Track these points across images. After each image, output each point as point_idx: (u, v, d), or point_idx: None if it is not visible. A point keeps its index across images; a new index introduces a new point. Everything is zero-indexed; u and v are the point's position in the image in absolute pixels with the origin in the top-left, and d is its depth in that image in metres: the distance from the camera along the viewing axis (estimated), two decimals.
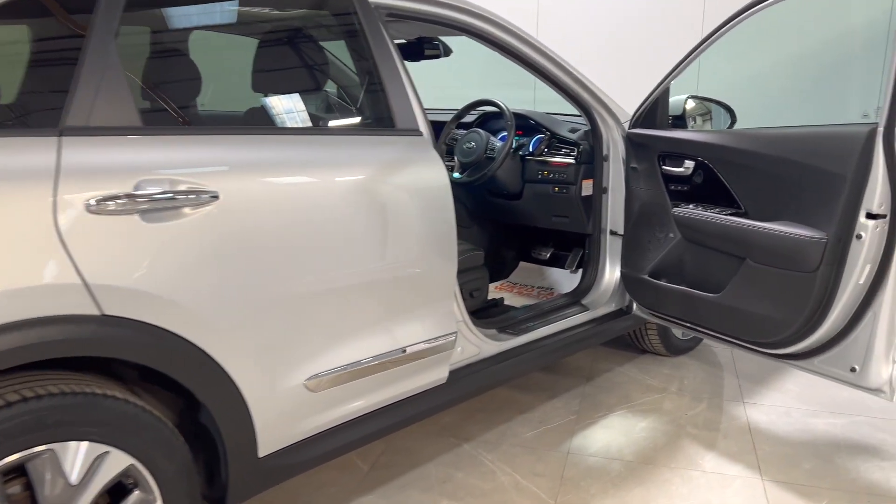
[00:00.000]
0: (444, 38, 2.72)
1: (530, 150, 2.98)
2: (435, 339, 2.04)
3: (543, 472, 2.31)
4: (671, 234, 2.54)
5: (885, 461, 2.37)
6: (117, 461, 1.44)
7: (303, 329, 1.71)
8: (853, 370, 2.07)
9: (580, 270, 3.00)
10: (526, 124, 3.07)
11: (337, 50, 2.15)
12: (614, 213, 2.80)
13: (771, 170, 2.16)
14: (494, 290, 3.28)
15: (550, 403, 2.81)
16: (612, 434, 2.56)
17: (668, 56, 2.48)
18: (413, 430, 2.54)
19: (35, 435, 1.32)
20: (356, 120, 2.11)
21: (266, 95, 1.95)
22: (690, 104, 2.71)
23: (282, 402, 1.71)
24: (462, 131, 3.13)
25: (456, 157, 3.04)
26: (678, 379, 3.04)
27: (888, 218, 1.91)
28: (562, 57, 2.50)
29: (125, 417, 1.45)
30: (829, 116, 4.65)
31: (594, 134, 2.75)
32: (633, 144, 2.65)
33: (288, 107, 1.94)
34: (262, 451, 1.71)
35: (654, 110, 2.58)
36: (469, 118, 3.27)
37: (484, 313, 2.65)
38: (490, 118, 3.25)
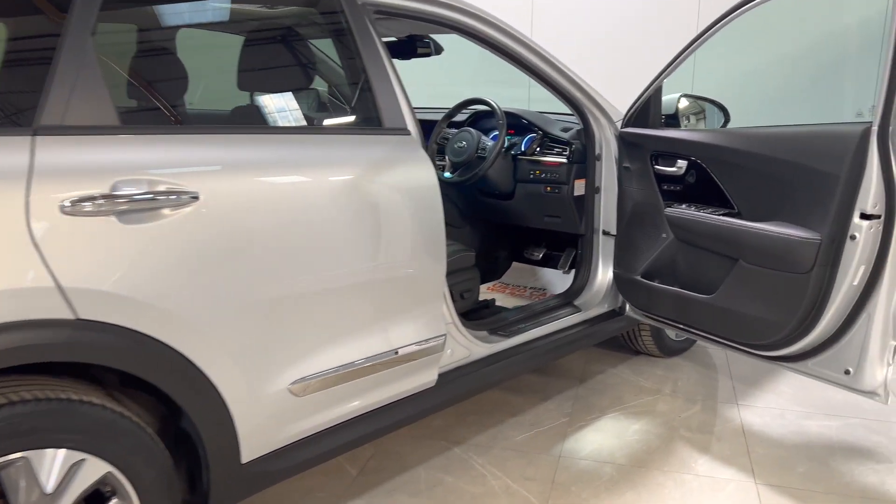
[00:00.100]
0: (435, 37, 2.69)
1: (522, 149, 2.95)
2: (424, 341, 2.00)
3: (534, 476, 2.27)
4: (664, 235, 2.52)
5: (879, 464, 2.35)
6: (94, 468, 1.41)
7: (286, 332, 1.67)
8: (847, 373, 2.04)
9: (573, 271, 2.97)
10: (518, 123, 3.04)
11: (324, 48, 2.12)
12: (607, 213, 2.77)
13: (764, 169, 2.13)
14: (486, 291, 3.25)
15: (542, 406, 2.78)
16: (604, 437, 2.53)
17: (663, 55, 2.45)
18: (403, 432, 2.51)
19: (8, 442, 1.29)
20: (343, 119, 2.08)
21: (250, 94, 1.91)
22: (683, 103, 2.68)
23: (265, 407, 1.67)
24: (453, 130, 3.09)
25: (447, 157, 3.00)
26: (672, 380, 3.01)
27: (882, 218, 1.89)
28: (554, 55, 2.47)
29: (102, 424, 1.41)
30: (824, 115, 4.63)
31: (586, 133, 2.72)
32: (626, 144, 2.62)
33: (272, 106, 1.91)
34: (245, 456, 1.67)
35: (647, 109, 2.55)
36: (460, 117, 3.24)
37: (475, 314, 2.62)
38: (481, 117, 3.22)
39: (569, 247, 3.25)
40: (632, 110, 2.59)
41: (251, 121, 1.88)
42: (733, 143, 2.22)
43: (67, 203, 1.32)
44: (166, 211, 1.45)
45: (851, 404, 2.73)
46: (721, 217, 2.24)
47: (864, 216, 1.90)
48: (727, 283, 2.24)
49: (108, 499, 1.45)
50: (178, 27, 1.86)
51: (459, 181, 2.87)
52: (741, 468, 2.33)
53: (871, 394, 2.01)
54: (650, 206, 2.54)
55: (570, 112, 2.73)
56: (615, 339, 3.15)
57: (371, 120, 1.94)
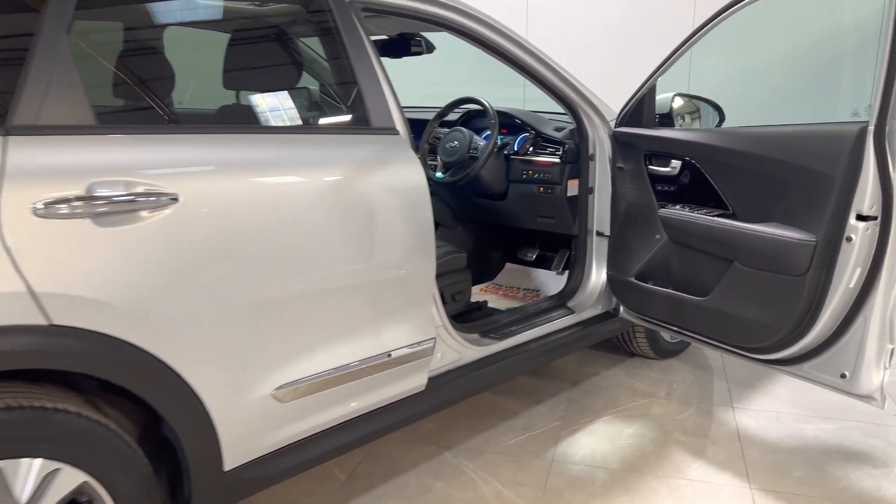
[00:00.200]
0: (427, 35, 2.65)
1: (515, 149, 2.91)
2: (412, 345, 1.97)
3: (526, 482, 2.24)
4: (658, 236, 2.48)
5: (876, 468, 2.31)
6: (70, 478, 1.37)
7: (270, 337, 1.63)
8: (843, 376, 2.01)
9: (567, 272, 2.93)
10: (511, 123, 3.00)
11: (311, 46, 2.08)
12: (601, 213, 2.73)
13: (759, 170, 2.10)
14: (479, 293, 3.22)
15: (535, 409, 2.74)
16: (597, 441, 2.50)
17: (659, 54, 2.42)
18: (393, 437, 2.47)
19: None
20: (329, 118, 2.04)
21: (234, 93, 1.87)
22: (678, 102, 2.64)
23: (248, 414, 1.64)
24: (445, 130, 3.05)
25: (438, 157, 2.96)
26: (667, 383, 2.98)
27: (879, 220, 1.85)
28: (546, 54, 2.44)
29: (78, 432, 1.38)
30: (820, 114, 4.60)
31: (580, 133, 2.68)
32: (619, 143, 2.58)
33: (256, 105, 1.87)
34: (228, 464, 1.63)
35: (641, 108, 2.52)
36: (453, 116, 3.20)
37: (466, 317, 2.59)
38: (474, 116, 3.18)
39: (562, 248, 3.21)
40: (625, 109, 2.55)
41: (235, 120, 1.84)
42: (728, 142, 2.18)
43: (41, 205, 1.29)
44: (144, 213, 1.41)
45: (848, 407, 2.70)
46: (715, 218, 2.20)
47: (860, 217, 1.86)
48: (722, 285, 2.20)
49: None
50: (159, 25, 1.82)
51: (451, 181, 2.83)
52: (736, 473, 2.29)
53: (867, 398, 1.98)
54: (644, 206, 2.51)
55: (563, 111, 2.69)
56: (609, 341, 3.11)
57: (358, 119, 1.90)
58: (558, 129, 2.87)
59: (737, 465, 2.34)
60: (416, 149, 3.09)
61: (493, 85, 3.70)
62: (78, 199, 1.33)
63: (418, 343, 1.99)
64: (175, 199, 1.45)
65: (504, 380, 2.61)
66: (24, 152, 1.30)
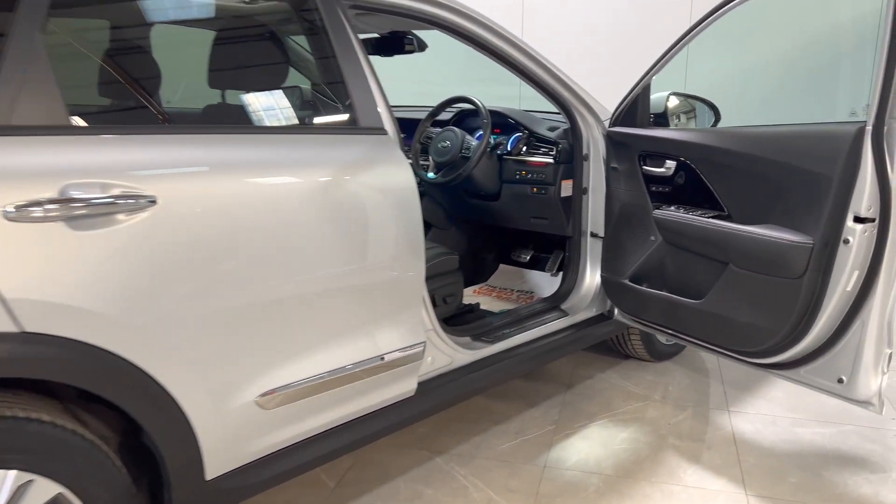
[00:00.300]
0: (419, 33, 2.61)
1: (508, 149, 2.87)
2: (401, 349, 1.93)
3: (517, 488, 2.20)
4: (652, 238, 2.44)
5: (873, 474, 2.28)
6: (43, 490, 1.33)
7: (252, 343, 1.59)
8: (840, 381, 1.97)
9: (561, 273, 2.89)
10: (504, 122, 2.96)
11: (297, 44, 2.03)
12: (595, 214, 2.69)
13: (755, 170, 2.06)
14: (472, 294, 3.18)
15: (528, 413, 2.70)
16: (591, 446, 2.46)
17: (656, 54, 2.38)
18: (383, 441, 2.43)
19: None
20: (315, 118, 2.00)
21: (216, 92, 1.83)
22: (672, 101, 2.61)
23: (231, 422, 1.59)
24: (437, 129, 3.01)
25: (430, 157, 2.92)
26: (662, 386, 2.94)
27: (877, 222, 1.81)
28: (539, 52, 2.40)
29: (53, 442, 1.33)
30: (817, 114, 4.56)
31: (573, 132, 2.64)
32: (614, 143, 2.54)
33: (240, 105, 1.83)
34: (210, 473, 1.59)
35: (635, 108, 2.48)
36: (446, 116, 3.16)
37: (458, 320, 2.55)
38: (467, 116, 3.14)
39: (557, 249, 3.17)
40: (619, 109, 2.51)
41: (218, 120, 1.80)
42: (723, 143, 2.14)
43: (12, 209, 1.24)
44: (121, 216, 1.37)
45: (845, 411, 2.66)
46: (710, 220, 2.17)
47: (857, 219, 1.83)
48: (717, 287, 2.16)
49: None
50: (139, 23, 1.77)
51: (443, 182, 2.79)
52: (732, 478, 2.26)
53: (865, 403, 1.94)
54: (638, 207, 2.47)
55: (557, 111, 2.65)
56: (604, 343, 3.08)
57: (346, 119, 1.86)
58: (552, 129, 2.83)
59: (732, 470, 2.30)
60: (408, 149, 3.07)
61: (489, 83, 3.65)
62: (51, 201, 1.28)
63: (408, 347, 1.95)
64: (153, 202, 1.40)
65: (496, 384, 2.58)
66: None
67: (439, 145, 2.88)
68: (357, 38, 1.88)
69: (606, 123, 2.58)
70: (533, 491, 2.19)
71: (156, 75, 1.69)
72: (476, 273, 3.35)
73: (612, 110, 2.58)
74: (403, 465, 2.33)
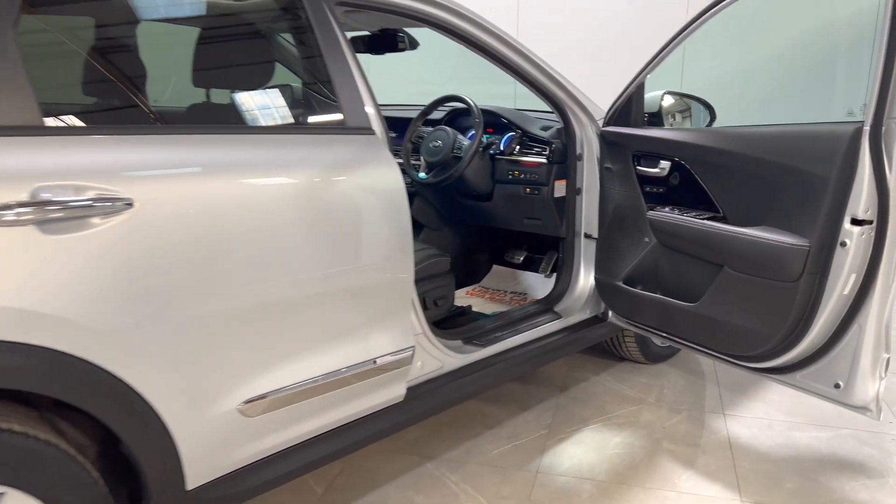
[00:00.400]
0: (411, 31, 2.57)
1: (501, 148, 2.83)
2: (389, 354, 1.88)
3: (509, 495, 2.16)
4: (646, 239, 2.40)
5: (871, 479, 2.24)
6: (16, 503, 1.28)
7: (234, 350, 1.55)
8: (837, 386, 1.94)
9: (555, 275, 2.85)
10: (496, 122, 2.92)
11: (282, 42, 1.99)
12: (589, 215, 2.65)
13: (750, 171, 2.02)
14: (465, 296, 3.14)
15: (521, 416, 2.66)
16: (584, 450, 2.42)
17: (652, 52, 2.34)
18: (373, 447, 2.38)
19: None
20: (301, 118, 1.95)
21: (197, 91, 1.78)
22: (667, 100, 2.56)
23: (213, 430, 1.55)
24: (429, 129, 2.97)
25: (422, 157, 2.88)
26: (657, 388, 2.90)
27: (874, 224, 1.77)
28: (532, 51, 2.35)
29: (25, 453, 1.29)
30: (813, 114, 4.53)
31: (567, 132, 2.60)
32: (607, 143, 2.50)
33: (222, 104, 1.78)
34: (191, 483, 1.55)
35: (629, 107, 2.44)
36: (438, 115, 3.12)
37: (450, 322, 2.51)
38: (459, 115, 3.10)
39: (551, 250, 3.14)
40: (613, 108, 2.47)
41: (198, 120, 1.75)
42: (718, 143, 2.10)
43: None
44: (96, 220, 1.32)
45: (842, 415, 2.62)
46: (705, 221, 2.13)
47: (854, 222, 1.79)
48: (711, 290, 2.13)
49: None
50: (118, 20, 1.72)
51: (434, 182, 2.75)
52: (727, 484, 2.22)
53: (862, 409, 1.90)
54: (632, 208, 2.43)
55: (550, 110, 2.61)
56: (598, 345, 3.04)
57: (332, 119, 1.82)
58: (545, 129, 2.78)
59: (727, 475, 2.27)
60: (399, 148, 3.02)
61: (483, 82, 3.62)
62: (22, 204, 1.24)
63: (396, 352, 1.91)
64: (130, 205, 1.36)
65: (488, 388, 2.54)
66: None
67: (430, 145, 2.83)
68: (344, 36, 1.83)
69: (600, 123, 2.54)
70: (525, 497, 2.15)
71: (135, 74, 1.65)
72: (469, 274, 3.31)
73: (606, 109, 2.54)
74: (393, 471, 2.29)
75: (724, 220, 2.13)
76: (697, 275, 2.19)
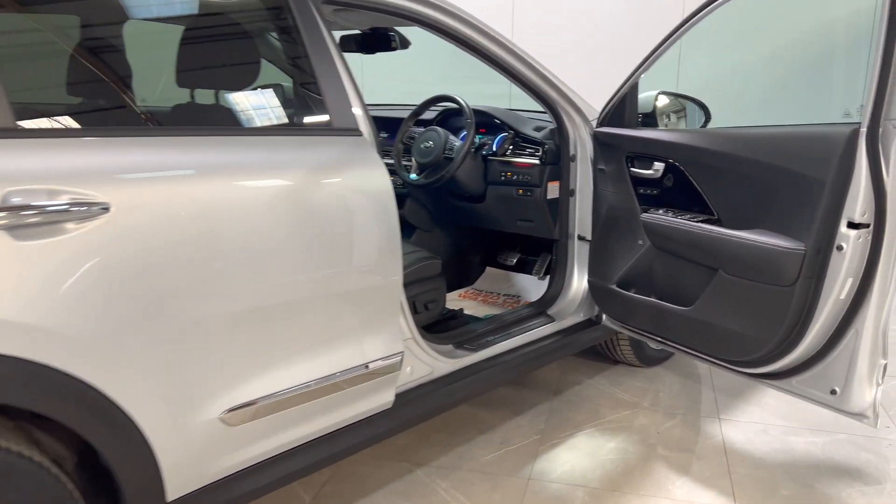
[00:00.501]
0: (402, 30, 2.53)
1: (493, 149, 2.79)
2: (377, 360, 1.84)
3: (500, 502, 2.12)
4: (640, 242, 2.37)
5: (867, 485, 2.21)
6: None
7: (215, 357, 1.51)
8: (833, 392, 1.90)
9: (548, 277, 2.82)
10: (489, 122, 2.88)
11: (266, 40, 1.95)
12: (582, 217, 2.61)
13: (745, 173, 1.99)
14: (458, 298, 3.10)
15: (514, 421, 2.62)
16: (577, 456, 2.38)
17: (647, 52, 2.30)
18: (363, 453, 2.35)
19: None
20: (285, 119, 1.91)
21: (177, 92, 1.74)
22: (662, 101, 2.53)
23: (193, 440, 1.51)
24: (420, 129, 2.93)
25: (413, 158, 2.84)
26: (652, 392, 2.87)
27: (871, 228, 1.74)
28: (523, 49, 2.32)
29: None
30: (809, 115, 4.49)
31: (560, 133, 2.57)
32: (601, 144, 2.47)
33: (204, 105, 1.74)
34: (171, 494, 1.51)
35: (623, 107, 2.40)
36: (430, 115, 3.08)
37: (441, 326, 2.47)
38: (451, 115, 3.06)
39: (544, 252, 3.10)
40: (607, 108, 2.43)
41: (177, 122, 1.71)
42: (712, 144, 2.07)
43: None
44: (70, 225, 1.28)
45: (839, 419, 2.56)
46: (699, 224, 2.09)
47: (851, 225, 1.75)
48: (706, 294, 2.09)
49: None
50: (96, 21, 1.68)
51: (425, 183, 2.71)
52: (721, 491, 2.18)
53: (859, 416, 1.87)
54: (626, 210, 2.40)
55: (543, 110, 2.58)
56: (593, 348, 3.00)
57: (318, 120, 1.78)
58: (538, 129, 2.75)
59: (722, 481, 2.23)
60: (390, 149, 2.98)
61: (478, 81, 3.58)
62: None
63: (384, 358, 1.87)
64: (106, 209, 1.32)
65: (479, 393, 2.50)
66: None
67: (422, 146, 2.80)
68: (331, 35, 1.79)
69: (594, 123, 2.51)
70: None
71: (114, 74, 1.60)
72: (462, 276, 3.27)
73: (600, 110, 2.50)
74: (383, 478, 2.25)
75: (718, 222, 2.10)
76: (692, 278, 2.16)
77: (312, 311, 1.67)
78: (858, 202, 1.73)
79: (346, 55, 1.97)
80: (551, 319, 2.61)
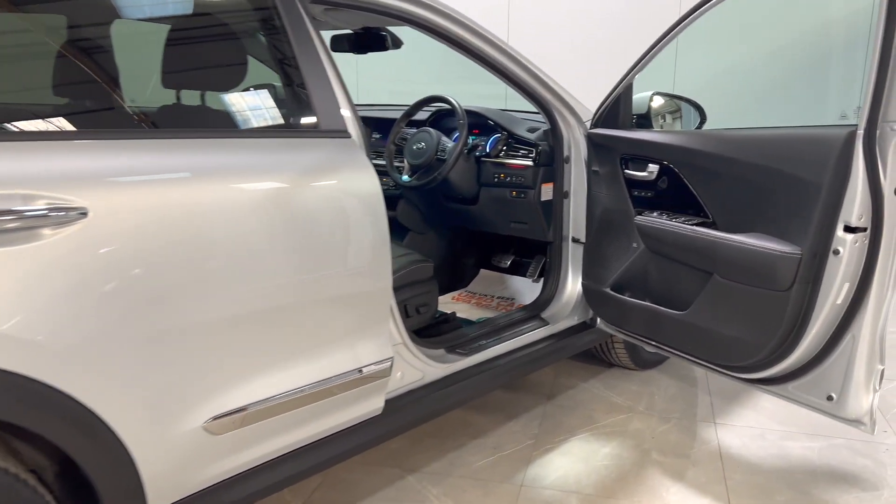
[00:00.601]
0: (394, 29, 2.50)
1: (486, 150, 2.76)
2: (366, 366, 1.81)
3: None
4: (635, 244, 2.34)
5: (864, 491, 2.18)
6: None
7: (197, 365, 1.47)
8: (830, 398, 1.87)
9: (542, 279, 2.78)
10: (482, 123, 2.84)
11: (252, 40, 1.91)
12: (576, 219, 2.58)
13: (741, 176, 1.96)
14: (451, 301, 3.07)
15: (507, 426, 2.59)
16: (571, 461, 2.35)
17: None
18: (353, 459, 2.30)
19: None
20: (271, 120, 1.87)
21: (159, 93, 1.70)
22: (657, 101, 2.50)
23: (176, 449, 1.48)
24: (412, 130, 2.90)
25: (405, 159, 2.81)
26: (647, 396, 2.84)
27: (868, 232, 1.71)
28: (517, 50, 2.28)
29: None
30: (805, 117, 4.47)
31: (554, 134, 2.53)
32: (594, 145, 2.44)
33: (188, 106, 1.71)
34: None
35: (617, 108, 2.37)
36: (423, 115, 3.05)
37: (433, 330, 2.43)
38: (444, 116, 3.02)
39: (538, 254, 3.07)
40: (601, 109, 2.40)
41: (160, 123, 1.67)
42: (707, 146, 2.04)
43: None
44: (46, 231, 1.25)
45: (835, 424, 2.52)
46: (694, 227, 2.06)
47: (848, 229, 1.72)
48: (701, 298, 2.06)
49: None
50: (76, 21, 1.64)
51: (417, 185, 2.68)
52: (716, 497, 2.15)
53: (855, 422, 1.84)
54: (620, 213, 2.36)
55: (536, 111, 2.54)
56: (587, 351, 2.97)
57: (305, 121, 1.75)
58: (532, 130, 2.71)
59: (717, 488, 2.20)
60: (382, 150, 2.95)
61: (472, 82, 3.55)
62: None
63: (373, 363, 1.84)
64: (84, 214, 1.29)
65: (472, 398, 2.46)
66: None
67: (414, 147, 2.76)
68: (319, 35, 1.76)
69: (588, 124, 2.48)
70: None
71: (93, 75, 1.57)
72: (455, 279, 3.24)
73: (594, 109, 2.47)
74: (374, 485, 2.22)
75: (713, 225, 2.07)
76: (686, 282, 2.13)
77: (298, 317, 1.64)
78: (855, 205, 1.70)
79: (340, 56, 1.93)
80: (545, 323, 2.58)
